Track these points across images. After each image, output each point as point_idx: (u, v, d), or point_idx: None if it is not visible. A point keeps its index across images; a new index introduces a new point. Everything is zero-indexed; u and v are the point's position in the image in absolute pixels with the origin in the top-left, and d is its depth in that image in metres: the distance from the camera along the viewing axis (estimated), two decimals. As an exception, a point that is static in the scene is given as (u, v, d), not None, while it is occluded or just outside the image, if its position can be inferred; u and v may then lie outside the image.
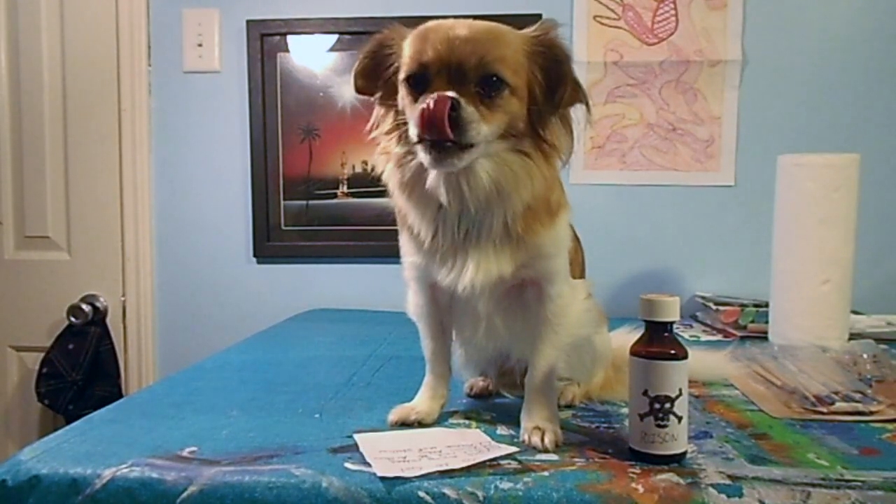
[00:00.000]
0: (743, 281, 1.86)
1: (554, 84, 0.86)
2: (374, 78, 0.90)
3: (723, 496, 0.72)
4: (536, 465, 0.79)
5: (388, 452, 0.80)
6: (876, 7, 1.85)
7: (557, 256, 0.92)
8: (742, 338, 1.54)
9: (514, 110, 0.84)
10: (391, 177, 0.89)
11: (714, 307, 1.68)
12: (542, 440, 0.85)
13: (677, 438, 0.79)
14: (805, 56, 1.87)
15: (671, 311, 0.81)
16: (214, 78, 1.98)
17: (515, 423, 0.91)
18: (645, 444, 0.79)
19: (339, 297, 1.98)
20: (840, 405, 0.99)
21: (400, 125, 0.87)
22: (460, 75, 0.81)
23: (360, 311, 1.90)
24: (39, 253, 2.01)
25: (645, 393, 0.79)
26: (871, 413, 0.98)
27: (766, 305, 1.52)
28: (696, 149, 1.90)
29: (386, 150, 0.90)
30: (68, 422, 1.06)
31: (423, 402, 0.97)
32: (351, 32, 1.93)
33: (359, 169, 1.96)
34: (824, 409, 0.99)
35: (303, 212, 1.99)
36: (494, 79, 0.82)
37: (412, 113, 0.82)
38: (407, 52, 0.86)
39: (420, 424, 0.93)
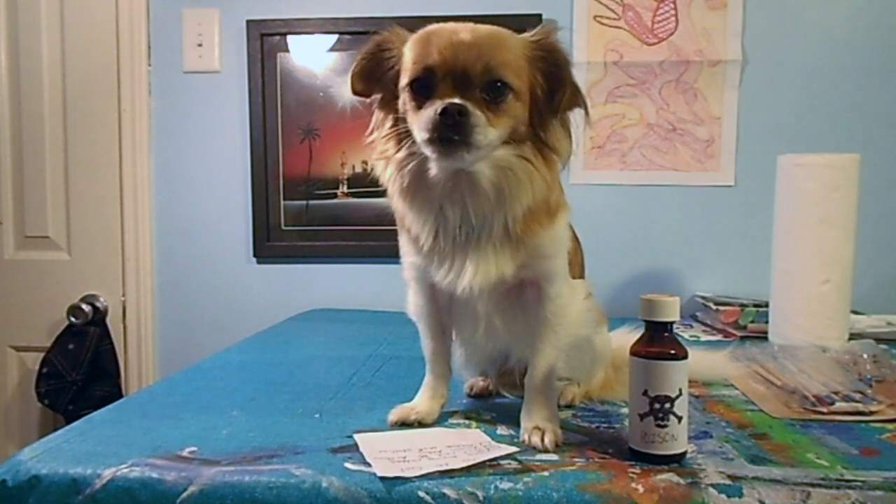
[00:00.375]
0: (743, 281, 1.86)
1: (554, 88, 0.86)
2: (372, 80, 0.90)
3: (723, 496, 0.72)
4: (536, 465, 0.79)
5: (388, 452, 0.80)
6: (876, 7, 1.85)
7: (557, 257, 0.92)
8: (742, 338, 1.54)
9: (517, 114, 0.84)
10: (392, 181, 0.89)
11: (714, 307, 1.68)
12: (542, 440, 0.85)
13: (677, 438, 0.79)
14: (805, 56, 1.87)
15: (671, 311, 0.81)
16: (214, 78, 1.98)
17: (515, 423, 0.91)
18: (645, 444, 0.79)
19: (339, 297, 1.98)
20: (840, 405, 0.99)
21: (400, 129, 0.87)
22: (466, 81, 0.81)
23: (360, 311, 1.90)
24: (39, 253, 2.01)
25: (645, 393, 0.79)
26: (871, 413, 0.98)
27: (766, 305, 1.52)
28: (696, 149, 1.90)
29: (385, 154, 0.90)
30: (68, 422, 1.06)
31: (423, 402, 0.97)
32: (351, 32, 1.93)
33: (359, 169, 1.96)
34: (824, 409, 0.99)
35: (303, 212, 1.99)
36: (499, 84, 0.82)
37: (417, 119, 0.82)
38: (409, 57, 0.85)
39: (420, 424, 0.93)
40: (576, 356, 1.01)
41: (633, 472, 0.76)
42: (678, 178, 1.91)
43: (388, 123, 0.90)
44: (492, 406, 1.05)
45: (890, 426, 0.94)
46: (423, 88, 0.83)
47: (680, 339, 0.83)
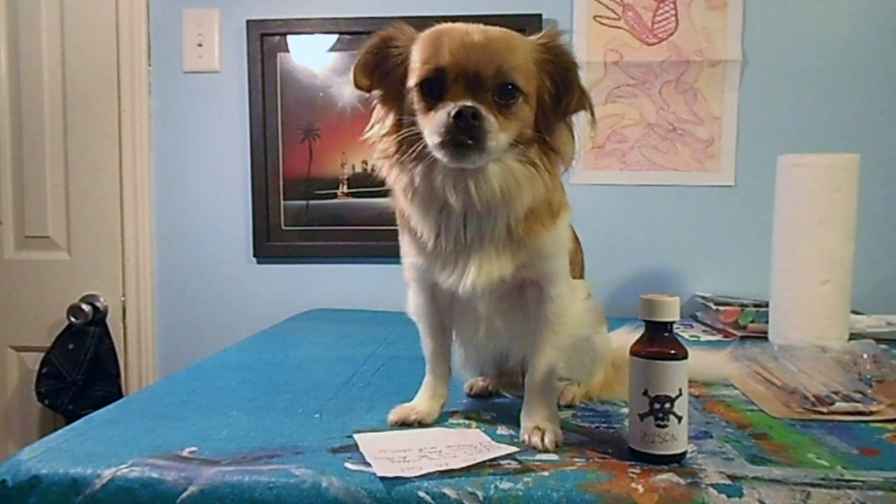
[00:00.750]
0: (743, 281, 1.86)
1: (561, 91, 0.86)
2: (375, 75, 0.89)
3: (723, 496, 0.72)
4: (536, 465, 0.79)
5: (388, 452, 0.80)
6: (876, 7, 1.85)
7: (558, 257, 0.92)
8: (742, 338, 1.54)
9: (526, 117, 0.85)
10: (396, 180, 0.89)
11: (714, 307, 1.68)
12: (542, 440, 0.85)
13: (677, 438, 0.79)
14: (805, 56, 1.87)
15: (671, 311, 0.81)
16: (214, 78, 1.98)
17: (515, 423, 0.91)
18: (645, 444, 0.79)
19: (339, 297, 1.98)
20: (840, 405, 0.99)
21: (404, 128, 0.86)
22: (477, 83, 0.81)
23: (360, 311, 1.90)
24: (39, 253, 2.01)
25: (645, 393, 0.79)
26: (871, 413, 0.98)
27: (766, 305, 1.52)
28: (696, 149, 1.90)
29: (387, 152, 0.89)
30: (68, 422, 1.05)
31: (423, 402, 0.97)
32: (351, 32, 1.93)
33: (359, 169, 1.96)
34: (824, 409, 0.99)
35: (303, 212, 1.99)
36: (510, 87, 0.82)
37: (426, 120, 0.82)
38: (418, 56, 0.85)
39: (420, 424, 0.93)
40: (576, 356, 1.01)
41: (633, 472, 0.76)
42: (678, 178, 1.91)
43: (390, 121, 0.89)
44: (492, 406, 1.05)
45: (890, 426, 0.94)
46: (433, 89, 0.82)
47: (680, 339, 0.83)
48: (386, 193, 0.93)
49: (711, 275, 1.90)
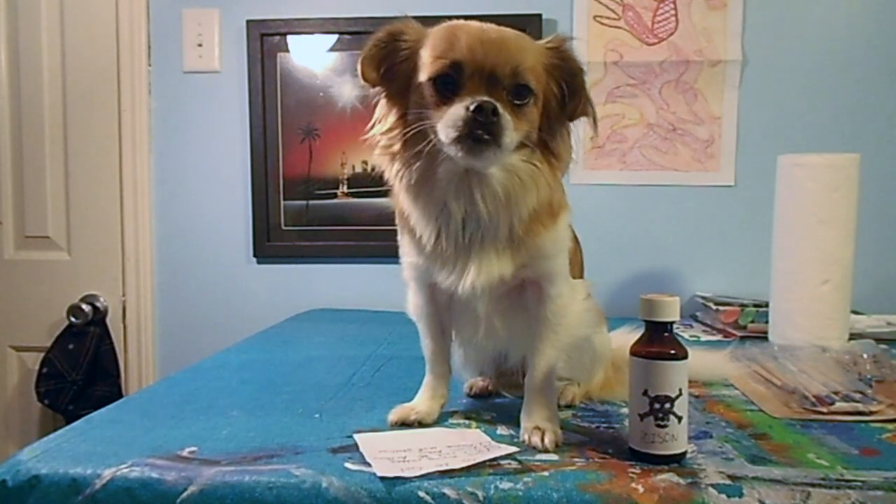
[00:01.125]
0: (743, 281, 1.86)
1: (566, 96, 0.87)
2: (381, 69, 0.87)
3: (723, 496, 0.72)
4: (536, 465, 0.79)
5: (388, 452, 0.80)
6: (876, 7, 1.85)
7: (557, 257, 0.92)
8: (742, 338, 1.54)
9: (534, 119, 0.85)
10: (398, 179, 0.88)
11: (714, 307, 1.68)
12: (542, 440, 0.85)
13: (677, 438, 0.79)
14: (805, 56, 1.87)
15: (671, 311, 0.81)
16: (214, 78, 1.98)
17: (515, 423, 0.91)
18: (645, 444, 0.79)
19: (339, 297, 1.98)
20: (840, 405, 0.99)
21: (409, 124, 0.84)
22: (494, 80, 0.81)
23: (360, 311, 1.90)
24: (39, 253, 2.01)
25: (645, 393, 0.79)
26: (871, 413, 0.98)
27: (766, 305, 1.52)
28: (696, 149, 1.90)
29: (389, 149, 0.88)
30: (68, 422, 1.05)
31: (423, 402, 0.97)
32: (351, 32, 1.93)
33: (359, 169, 1.96)
34: (824, 409, 0.99)
35: (303, 212, 1.99)
36: (524, 88, 0.82)
37: (440, 115, 0.81)
38: (430, 52, 0.83)
39: (420, 424, 0.93)
40: (576, 356, 1.01)
41: (633, 472, 0.76)
42: (678, 178, 1.91)
43: (393, 118, 0.88)
44: (492, 406, 1.05)
45: (890, 426, 0.94)
46: (447, 84, 0.81)
47: (680, 339, 0.83)
48: (386, 193, 0.93)
49: (711, 275, 1.90)
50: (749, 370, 1.20)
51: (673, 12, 1.88)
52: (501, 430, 0.92)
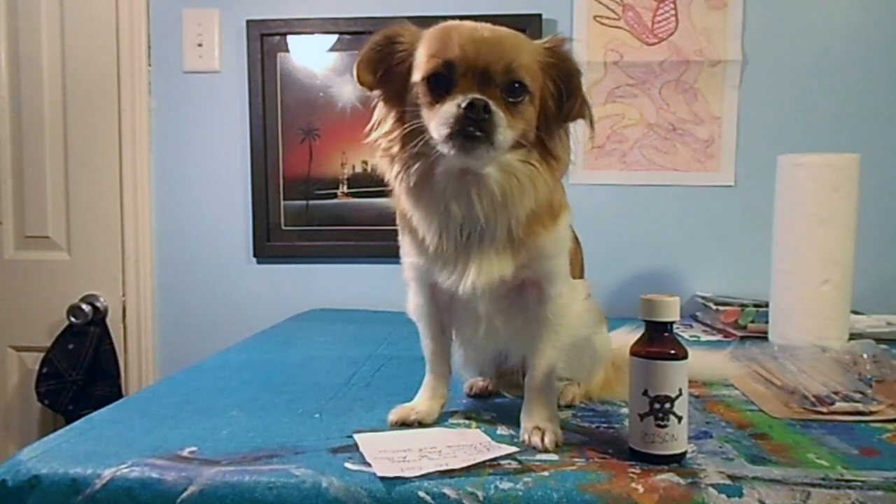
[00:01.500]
0: (743, 281, 1.86)
1: (563, 96, 0.86)
2: (378, 72, 0.88)
3: (723, 496, 0.72)
4: (536, 465, 0.79)
5: (388, 452, 0.80)
6: (876, 7, 1.85)
7: (558, 257, 0.92)
8: (742, 338, 1.54)
9: (530, 118, 0.84)
10: (398, 180, 0.88)
11: (714, 307, 1.68)
12: (542, 440, 0.85)
13: (677, 438, 0.79)
14: (805, 56, 1.87)
15: (671, 311, 0.81)
16: (214, 78, 1.98)
17: (515, 423, 0.91)
18: (645, 444, 0.79)
19: (339, 297, 1.98)
20: (840, 405, 0.99)
21: (407, 126, 0.85)
22: (486, 78, 0.81)
23: (360, 311, 1.90)
24: (39, 253, 2.01)
25: (645, 393, 0.79)
26: (871, 413, 0.98)
27: (766, 305, 1.52)
28: (696, 149, 1.90)
29: (389, 151, 0.88)
30: (68, 422, 1.06)
31: (423, 402, 0.97)
32: (351, 32, 1.93)
33: (359, 169, 1.96)
34: (824, 409, 0.99)
35: (303, 212, 1.99)
36: (518, 85, 0.82)
37: (434, 114, 0.81)
38: (424, 52, 0.84)
39: (420, 424, 0.93)
40: (576, 356, 1.01)
41: (633, 472, 0.76)
42: (678, 178, 1.91)
43: (391, 120, 0.88)
44: (492, 406, 1.05)
45: (890, 426, 0.94)
46: (441, 83, 0.82)
47: (680, 339, 0.83)
48: (386, 193, 0.93)
49: (711, 275, 1.90)
50: (749, 370, 1.20)
51: (673, 12, 1.88)
52: (501, 430, 0.92)
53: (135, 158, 1.98)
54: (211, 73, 1.98)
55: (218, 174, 2.00)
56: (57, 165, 1.99)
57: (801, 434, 0.91)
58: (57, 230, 2.00)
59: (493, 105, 0.79)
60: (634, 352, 0.81)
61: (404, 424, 0.93)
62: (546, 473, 0.76)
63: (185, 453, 0.82)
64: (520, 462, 0.80)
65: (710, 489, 0.73)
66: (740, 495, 0.72)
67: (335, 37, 1.94)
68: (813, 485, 0.74)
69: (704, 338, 1.57)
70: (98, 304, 1.97)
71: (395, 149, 0.87)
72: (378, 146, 0.89)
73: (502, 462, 0.79)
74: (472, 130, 0.78)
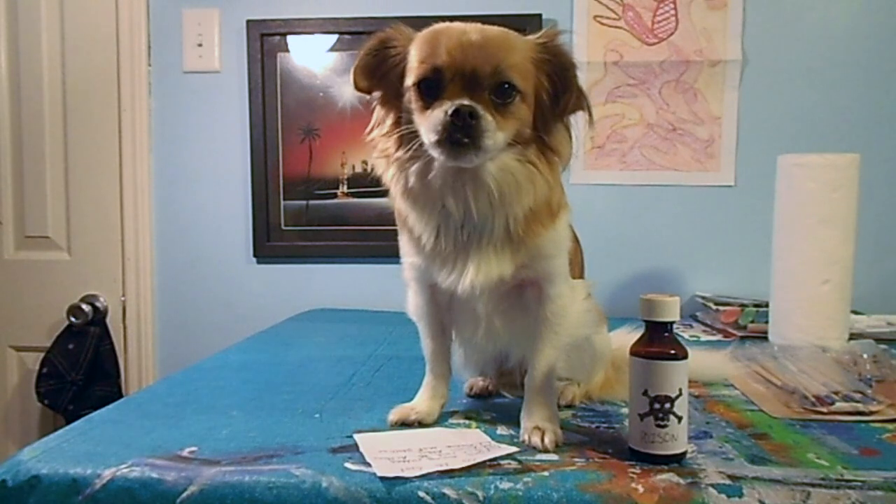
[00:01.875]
0: (743, 281, 1.86)
1: (559, 91, 0.86)
2: (375, 77, 0.89)
3: (723, 496, 0.72)
4: (536, 465, 0.79)
5: (388, 452, 0.80)
6: (876, 7, 1.85)
7: (557, 257, 0.92)
8: (742, 338, 1.54)
9: (523, 117, 0.84)
10: (394, 181, 0.89)
11: (714, 307, 1.68)
12: (542, 440, 0.85)
13: (677, 438, 0.79)
14: (805, 56, 1.87)
15: (671, 311, 0.81)
16: (214, 78, 1.98)
17: (515, 423, 0.91)
18: (645, 444, 0.79)
19: (339, 297, 1.98)
20: (840, 405, 0.99)
21: (402, 128, 0.86)
22: (474, 82, 0.81)
23: (360, 311, 1.90)
24: (39, 253, 2.01)
25: (645, 393, 0.79)
26: (871, 413, 0.98)
27: (766, 305, 1.52)
28: (696, 149, 1.90)
29: (386, 152, 0.89)
30: (68, 422, 1.06)
31: (423, 402, 0.97)
32: (351, 32, 1.93)
33: (359, 169, 1.96)
34: (824, 409, 0.99)
35: (303, 212, 1.99)
36: (507, 86, 0.82)
37: (424, 119, 0.82)
38: (415, 56, 0.85)
39: (420, 424, 0.93)
40: (576, 356, 1.01)
41: (633, 472, 0.76)
42: (678, 178, 1.91)
43: (390, 121, 0.89)
44: (492, 406, 1.05)
45: (890, 426, 0.94)
46: (430, 88, 0.83)
47: (680, 339, 0.83)
48: (386, 193, 0.93)
49: (711, 275, 1.90)
50: (749, 370, 1.20)
51: (673, 12, 1.88)
52: (501, 430, 0.92)
53: (135, 158, 1.98)
54: (211, 73, 1.98)
55: (218, 174, 2.00)
56: (57, 165, 1.99)
57: (801, 434, 0.91)
58: (57, 230, 2.00)
59: (480, 110, 0.79)
60: (634, 352, 0.82)
61: (404, 424, 0.93)
62: (546, 473, 0.76)
63: (185, 453, 0.82)
64: (520, 462, 0.80)
65: (710, 489, 0.73)
66: (740, 495, 0.72)
67: (335, 37, 1.94)
68: (813, 485, 0.74)
69: (704, 338, 1.57)
70: (98, 305, 1.97)
71: (392, 150, 0.88)
72: (377, 147, 0.91)
73: (502, 462, 0.79)
74: (459, 137, 0.79)
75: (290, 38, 1.95)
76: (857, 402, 1.00)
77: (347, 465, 0.78)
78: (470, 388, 1.09)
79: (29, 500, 0.76)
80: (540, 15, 1.86)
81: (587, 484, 0.74)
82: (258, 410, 1.00)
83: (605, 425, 0.95)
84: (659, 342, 0.81)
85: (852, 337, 1.41)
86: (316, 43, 1.95)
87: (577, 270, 1.02)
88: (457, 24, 0.85)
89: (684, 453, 0.80)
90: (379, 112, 0.92)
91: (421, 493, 0.73)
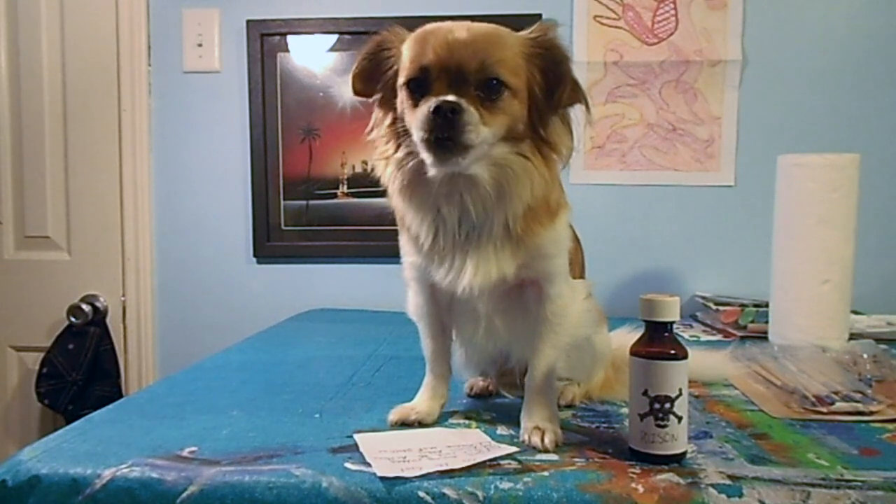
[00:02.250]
0: (743, 281, 1.86)
1: (553, 85, 0.86)
2: (373, 80, 0.90)
3: (723, 496, 0.72)
4: (536, 465, 0.79)
5: (388, 452, 0.80)
6: (876, 7, 1.85)
7: (557, 257, 0.92)
8: (742, 338, 1.54)
9: (514, 112, 0.84)
10: (391, 180, 0.89)
11: (714, 307, 1.68)
12: (542, 440, 0.85)
13: (677, 438, 0.79)
14: (805, 56, 1.87)
15: (671, 311, 0.81)
16: (214, 78, 1.98)
17: (515, 423, 0.91)
18: (645, 444, 0.79)
19: (339, 297, 1.98)
20: (840, 405, 0.99)
21: (399, 128, 0.87)
22: (461, 79, 0.81)
23: (360, 311, 1.90)
24: (39, 253, 2.01)
25: (645, 393, 0.79)
26: (871, 413, 0.98)
27: (766, 305, 1.52)
28: (696, 149, 1.90)
29: (385, 153, 0.90)
30: (68, 422, 1.06)
31: (423, 402, 0.97)
32: (351, 32, 1.93)
33: (359, 169, 1.96)
34: (824, 409, 0.99)
35: (303, 212, 1.99)
36: (494, 82, 0.82)
37: (412, 117, 0.83)
38: (406, 56, 0.86)
39: (420, 424, 0.93)
40: (576, 356, 1.01)
41: (633, 472, 0.76)
42: (678, 178, 1.91)
43: (388, 122, 0.90)
44: (492, 406, 1.05)
45: (890, 426, 0.94)
46: (418, 87, 0.83)
47: (680, 339, 0.83)
48: (386, 193, 0.93)
49: (711, 275, 1.90)
50: (749, 370, 1.20)
51: (673, 12, 1.88)
52: (501, 430, 0.92)
53: (135, 158, 1.98)
54: (211, 73, 1.98)
55: (218, 174, 2.00)
56: (57, 165, 1.99)
57: (801, 434, 0.91)
58: (57, 230, 2.00)
59: (463, 104, 0.79)
60: (634, 352, 0.82)
61: (404, 424, 0.93)
62: (546, 473, 0.76)
63: (185, 453, 0.82)
64: (520, 462, 0.80)
65: (710, 489, 0.73)
66: (740, 495, 0.72)
67: (335, 37, 1.94)
68: (813, 485, 0.74)
69: (704, 338, 1.57)
70: (98, 305, 1.97)
71: (390, 150, 0.89)
72: (376, 147, 0.92)
73: (502, 462, 0.79)
74: (442, 135, 0.79)
75: (290, 38, 1.95)
76: (857, 402, 1.00)
77: (347, 465, 0.78)
78: (470, 388, 1.09)
79: (29, 500, 0.76)
80: (540, 15, 1.86)
81: (587, 484, 0.74)
82: (258, 410, 1.00)
83: (605, 425, 0.95)
84: (659, 342, 0.81)
85: (852, 337, 1.41)
86: (316, 43, 1.95)
87: (578, 270, 1.02)
88: (446, 23, 0.85)
89: (684, 453, 0.80)
90: (377, 113, 0.93)
91: (421, 493, 0.73)
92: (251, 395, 1.10)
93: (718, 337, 1.58)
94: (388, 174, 0.90)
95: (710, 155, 1.90)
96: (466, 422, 0.96)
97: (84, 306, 1.93)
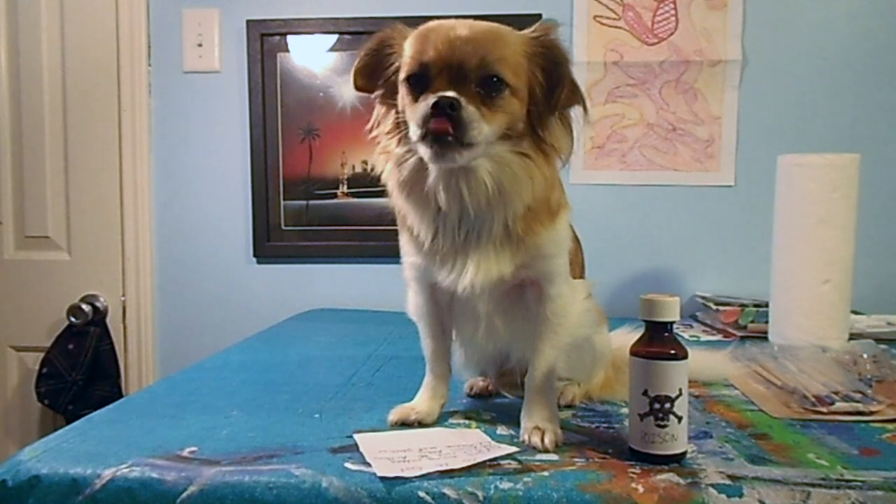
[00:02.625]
0: (743, 281, 1.86)
1: (553, 85, 0.86)
2: (375, 76, 0.90)
3: (723, 496, 0.72)
4: (536, 465, 0.79)
5: (388, 452, 0.80)
6: (876, 7, 1.85)
7: (557, 256, 0.92)
8: (742, 338, 1.54)
9: (514, 111, 0.84)
10: (390, 176, 0.90)
11: (714, 307, 1.68)
12: (542, 440, 0.85)
13: (677, 438, 0.79)
14: (805, 56, 1.87)
15: (671, 311, 0.81)
16: (214, 78, 1.98)
17: (515, 423, 0.91)
18: (645, 444, 0.79)
19: (339, 297, 1.98)
20: (840, 405, 0.99)
21: (400, 125, 0.87)
22: (461, 75, 0.81)
23: (360, 311, 1.90)
24: (39, 253, 2.01)
25: (645, 393, 0.79)
26: (871, 413, 0.98)
27: (766, 305, 1.52)
28: (696, 149, 1.90)
29: (386, 149, 0.90)
30: (68, 422, 1.06)
31: (423, 402, 0.97)
32: (351, 32, 1.93)
33: (359, 169, 1.96)
34: (824, 409, 0.99)
35: (303, 212, 1.99)
36: (495, 79, 0.82)
37: (412, 113, 0.83)
38: (407, 52, 0.86)
39: (420, 424, 0.93)
40: (576, 356, 1.01)
41: (633, 472, 0.76)
42: (678, 178, 1.91)
43: (390, 119, 0.90)
44: (492, 406, 1.05)
45: (890, 426, 0.94)
46: (419, 83, 0.83)
47: (680, 339, 0.83)
48: (386, 193, 0.93)
49: (711, 275, 1.90)
50: (749, 370, 1.20)
51: (673, 12, 1.88)
52: (501, 430, 0.92)
53: (135, 158, 1.98)
54: (211, 73, 1.98)
55: (218, 174, 2.00)
56: (57, 165, 1.99)
57: (801, 434, 0.91)
58: (57, 230, 2.00)
59: (463, 101, 0.79)
60: (634, 352, 0.82)
61: (404, 424, 0.93)
62: (546, 473, 0.76)
63: (185, 453, 0.82)
64: (520, 462, 0.80)
65: (710, 489, 0.73)
66: (740, 495, 0.72)
67: (335, 37, 1.94)
68: (813, 485, 0.74)
69: (704, 338, 1.57)
70: (98, 305, 1.97)
71: (391, 147, 0.89)
72: (377, 144, 0.92)
73: (502, 462, 0.79)
74: (440, 126, 0.79)
75: (290, 38, 1.95)
76: (857, 402, 1.00)
77: (347, 465, 0.78)
78: (470, 388, 1.09)
79: (29, 500, 0.76)
80: (540, 15, 1.85)
81: (587, 484, 0.74)
82: (258, 410, 1.01)
83: (605, 425, 0.95)
84: (659, 342, 0.81)
85: (852, 337, 1.41)
86: (316, 43, 1.95)
87: (578, 270, 1.02)
88: (448, 21, 0.85)
89: (684, 453, 0.80)
90: (379, 110, 0.93)
91: (421, 493, 0.73)
92: (251, 395, 1.10)
93: (718, 337, 1.58)
94: (388, 170, 0.90)
95: (710, 155, 1.90)
96: (466, 422, 0.96)
97: (84, 306, 1.93)
